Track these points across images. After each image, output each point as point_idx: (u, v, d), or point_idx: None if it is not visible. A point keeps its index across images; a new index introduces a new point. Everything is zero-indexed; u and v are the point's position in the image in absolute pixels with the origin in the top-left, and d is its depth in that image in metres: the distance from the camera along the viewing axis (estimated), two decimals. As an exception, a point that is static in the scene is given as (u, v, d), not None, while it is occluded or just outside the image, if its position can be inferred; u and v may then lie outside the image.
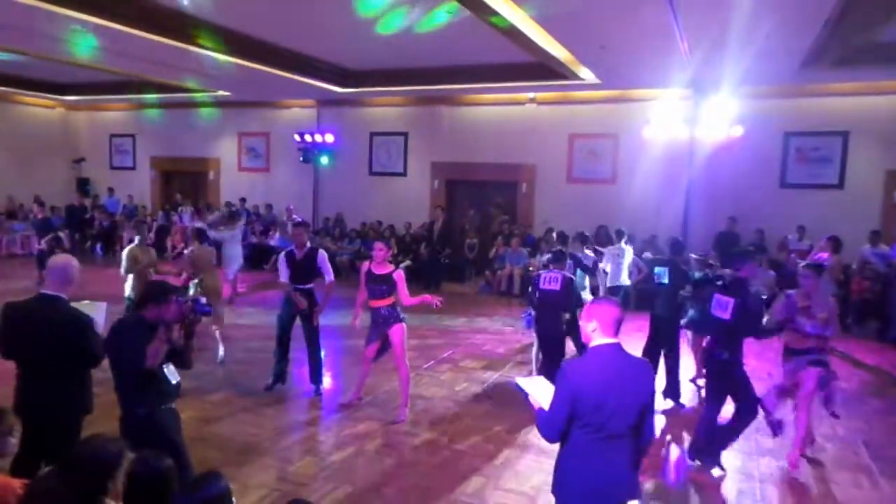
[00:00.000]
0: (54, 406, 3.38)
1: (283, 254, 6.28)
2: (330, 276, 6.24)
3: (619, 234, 9.13)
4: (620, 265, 8.75)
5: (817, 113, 11.10)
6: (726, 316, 4.62)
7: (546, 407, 2.73)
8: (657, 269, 6.40)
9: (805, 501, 4.41)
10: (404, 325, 5.67)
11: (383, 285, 5.57)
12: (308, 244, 6.26)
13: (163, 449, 2.62)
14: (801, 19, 7.02)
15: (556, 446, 2.81)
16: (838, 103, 10.98)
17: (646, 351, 6.34)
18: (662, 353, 6.33)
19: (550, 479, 2.83)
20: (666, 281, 6.27)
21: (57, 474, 2.47)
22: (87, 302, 3.84)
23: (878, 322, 9.57)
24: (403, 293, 5.59)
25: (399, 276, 5.60)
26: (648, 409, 2.72)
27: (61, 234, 16.09)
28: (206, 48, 9.43)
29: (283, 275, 6.16)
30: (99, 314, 3.79)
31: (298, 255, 6.15)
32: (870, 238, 9.91)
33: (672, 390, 6.29)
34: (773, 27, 7.08)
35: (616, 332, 2.69)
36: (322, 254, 6.24)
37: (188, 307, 3.39)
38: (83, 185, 17.76)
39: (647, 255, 9.14)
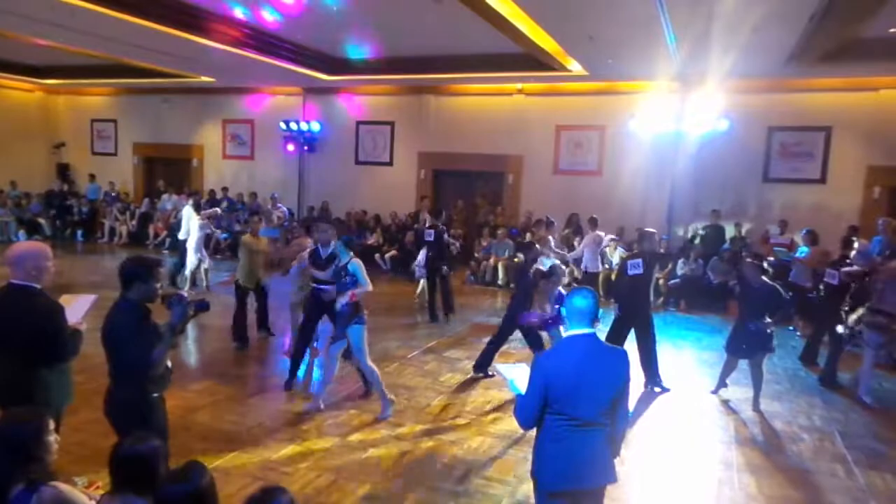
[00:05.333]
0: (33, 396, 3.32)
1: (307, 252, 6.08)
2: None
3: (593, 222, 9.54)
4: (595, 252, 9.50)
5: (801, 108, 11.20)
6: None
7: (524, 393, 2.79)
8: (631, 262, 6.48)
9: (783, 490, 4.49)
10: None
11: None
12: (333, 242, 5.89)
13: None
14: (787, 13, 7.07)
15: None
16: (821, 99, 11.09)
17: (611, 337, 6.36)
18: (638, 340, 6.40)
19: (534, 467, 2.86)
20: (641, 271, 6.38)
21: None
22: (70, 295, 3.75)
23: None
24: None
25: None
26: (622, 397, 2.78)
27: (41, 221, 15.87)
28: (190, 33, 9.28)
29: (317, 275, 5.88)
30: (82, 306, 3.69)
31: (324, 253, 5.85)
32: (848, 233, 10.03)
33: (653, 376, 6.40)
34: (759, 21, 7.11)
35: (591, 322, 2.73)
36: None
37: (190, 307, 3.28)
38: (63, 170, 17.45)
39: (621, 249, 9.51)
